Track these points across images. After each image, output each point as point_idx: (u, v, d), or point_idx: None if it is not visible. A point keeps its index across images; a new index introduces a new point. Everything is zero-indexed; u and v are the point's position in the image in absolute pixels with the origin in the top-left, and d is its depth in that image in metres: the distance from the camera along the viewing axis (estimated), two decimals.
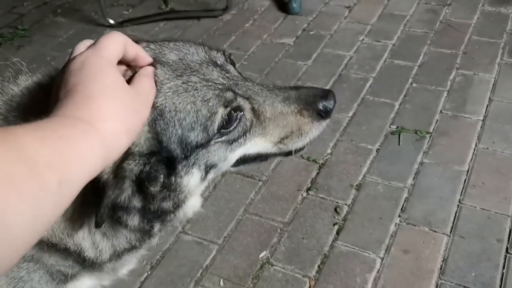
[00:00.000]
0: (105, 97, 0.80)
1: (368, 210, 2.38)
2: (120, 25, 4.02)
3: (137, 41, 1.15)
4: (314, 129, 1.15)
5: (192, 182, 1.07)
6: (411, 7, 3.97)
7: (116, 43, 0.91)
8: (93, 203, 0.93)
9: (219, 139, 1.05)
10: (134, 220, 1.05)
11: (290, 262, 2.16)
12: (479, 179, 2.48)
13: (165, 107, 0.98)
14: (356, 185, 2.52)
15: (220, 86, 1.04)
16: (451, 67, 3.28)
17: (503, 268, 2.07)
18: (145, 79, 0.95)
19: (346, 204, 2.42)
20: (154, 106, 0.97)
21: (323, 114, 1.15)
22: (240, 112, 1.08)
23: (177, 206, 1.08)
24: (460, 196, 2.40)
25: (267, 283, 2.09)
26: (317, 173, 2.60)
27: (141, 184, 0.97)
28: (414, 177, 2.53)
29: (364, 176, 2.57)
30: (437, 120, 2.87)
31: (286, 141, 1.14)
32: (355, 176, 2.56)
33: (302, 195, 2.49)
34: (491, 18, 3.76)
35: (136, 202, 0.99)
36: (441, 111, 2.94)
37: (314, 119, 1.14)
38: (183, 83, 1.01)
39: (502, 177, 2.47)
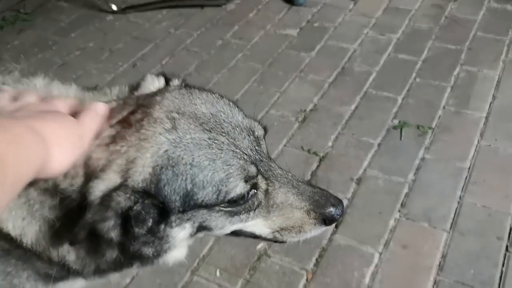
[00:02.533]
0: (55, 126, 0.87)
1: (367, 204, 2.34)
2: (122, 12, 3.96)
3: (168, 79, 1.14)
4: (314, 231, 1.13)
5: (181, 236, 1.03)
6: (416, 2, 3.90)
7: (67, 107, 0.99)
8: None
9: (224, 208, 1.02)
10: (111, 253, 1.01)
11: (288, 254, 2.12)
12: (480, 176, 2.44)
13: (182, 158, 0.93)
14: (356, 179, 2.47)
15: (246, 157, 1.00)
16: (455, 63, 3.23)
17: (503, 266, 2.04)
18: (90, 120, 0.96)
19: (345, 198, 2.38)
20: (168, 154, 0.93)
21: (327, 222, 1.12)
22: (255, 190, 1.05)
23: (158, 254, 1.03)
24: (461, 192, 2.36)
25: (264, 275, 2.06)
26: (318, 166, 2.56)
27: (126, 221, 0.92)
28: (415, 173, 2.49)
29: (364, 170, 2.52)
30: (439, 115, 2.83)
31: (283, 232, 1.13)
32: (356, 170, 2.52)
33: None
34: (497, 14, 3.70)
35: (115, 237, 0.93)
36: (444, 106, 2.89)
37: (318, 222, 1.11)
38: (209, 138, 0.97)
39: (504, 174, 2.43)
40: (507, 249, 2.10)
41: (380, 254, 2.12)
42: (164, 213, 0.96)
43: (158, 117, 0.97)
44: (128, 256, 1.01)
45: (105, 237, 0.91)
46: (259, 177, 1.04)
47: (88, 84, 3.13)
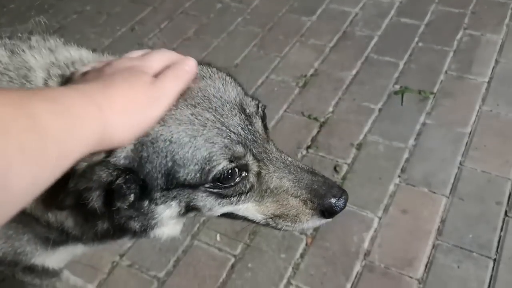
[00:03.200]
0: (122, 89, 0.80)
1: (367, 169, 2.31)
2: None
3: None
4: (311, 222, 1.04)
5: (167, 214, 0.98)
6: None
7: (161, 62, 0.89)
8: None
9: (211, 189, 0.95)
10: (101, 224, 0.99)
11: None
12: (481, 141, 2.39)
13: (160, 134, 0.87)
14: (357, 144, 2.43)
15: (233, 136, 0.92)
16: (458, 27, 3.12)
17: (501, 230, 2.02)
18: (169, 79, 0.87)
19: (346, 163, 2.34)
20: (147, 131, 0.87)
21: (327, 214, 1.02)
22: (245, 172, 0.96)
23: (145, 229, 1.00)
24: (461, 158, 2.33)
25: (264, 239, 2.04)
26: (318, 132, 2.51)
27: (109, 194, 0.89)
28: (415, 138, 2.44)
29: (365, 135, 2.48)
30: (441, 80, 2.76)
31: (277, 220, 1.03)
32: (356, 135, 2.48)
33: (301, 153, 2.41)
34: None
35: (99, 208, 0.90)
36: (446, 71, 2.81)
37: (315, 213, 1.02)
38: (192, 114, 0.90)
39: (505, 140, 2.39)
40: (506, 214, 2.08)
41: (380, 218, 2.10)
42: (147, 190, 0.92)
43: None
44: (117, 228, 0.99)
45: (90, 207, 0.89)
46: (250, 158, 0.95)
47: (85, 48, 3.05)
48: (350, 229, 2.06)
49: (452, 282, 1.87)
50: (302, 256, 1.99)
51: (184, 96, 0.91)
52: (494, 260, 1.92)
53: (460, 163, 2.30)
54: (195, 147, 0.89)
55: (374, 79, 2.79)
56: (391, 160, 2.34)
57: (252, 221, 1.06)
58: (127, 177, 0.88)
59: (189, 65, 0.91)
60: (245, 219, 1.06)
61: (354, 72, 2.85)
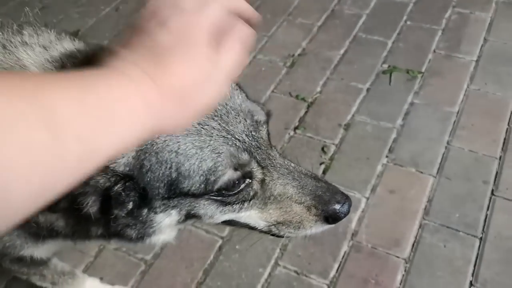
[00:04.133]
0: (182, 68, 0.62)
1: (355, 149, 2.27)
2: None
3: None
4: (314, 229, 1.02)
5: (166, 222, 0.94)
6: None
7: (221, 16, 0.69)
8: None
9: (214, 197, 0.91)
10: (95, 229, 0.95)
11: None
12: (469, 120, 2.35)
13: (167, 145, 0.83)
14: (345, 125, 2.38)
15: (238, 144, 0.89)
16: (447, 5, 3.05)
17: (487, 209, 2.00)
18: (229, 53, 0.68)
19: (333, 144, 2.30)
20: (152, 139, 0.82)
21: (330, 220, 1.00)
22: (249, 179, 0.93)
23: (141, 237, 0.95)
24: (449, 137, 2.29)
25: None
26: (306, 112, 2.45)
27: (106, 200, 0.84)
28: (403, 118, 2.39)
29: (353, 115, 2.42)
30: (429, 59, 2.70)
31: (280, 227, 1.00)
32: (344, 116, 2.42)
33: (289, 133, 2.35)
34: None
35: (94, 214, 0.84)
36: (434, 50, 2.75)
37: (319, 220, 1.00)
38: (199, 124, 0.85)
39: (493, 119, 2.35)
40: (492, 193, 2.05)
41: (367, 199, 2.07)
42: (146, 198, 0.87)
43: None
44: (111, 234, 0.95)
45: (85, 211, 0.84)
46: (254, 165, 0.93)
47: (69, 28, 2.93)
48: None
49: (438, 261, 1.85)
50: (289, 237, 1.95)
51: None
52: (480, 239, 1.91)
53: (448, 143, 2.27)
54: (201, 158, 0.85)
55: (362, 59, 2.72)
56: (379, 140, 2.30)
57: (254, 228, 1.03)
58: (126, 184, 0.83)
59: (247, 33, 0.72)
60: (246, 226, 1.03)
61: (342, 51, 2.78)
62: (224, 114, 0.89)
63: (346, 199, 1.01)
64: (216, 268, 1.87)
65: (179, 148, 0.84)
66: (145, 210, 0.90)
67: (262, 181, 0.96)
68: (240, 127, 0.90)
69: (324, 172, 2.17)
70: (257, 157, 0.93)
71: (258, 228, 1.02)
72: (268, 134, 1.01)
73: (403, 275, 1.82)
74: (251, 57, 2.76)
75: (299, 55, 2.77)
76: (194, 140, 0.85)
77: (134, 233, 0.93)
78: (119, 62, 0.60)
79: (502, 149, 2.22)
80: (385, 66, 2.67)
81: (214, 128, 0.87)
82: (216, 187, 0.88)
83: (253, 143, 0.92)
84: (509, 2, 3.03)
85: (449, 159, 2.19)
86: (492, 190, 2.06)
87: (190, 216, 0.94)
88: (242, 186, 0.92)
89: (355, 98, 2.50)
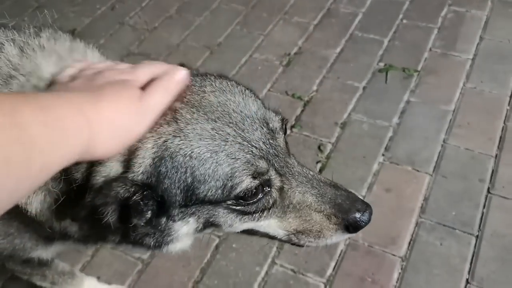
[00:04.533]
0: (112, 103, 0.77)
1: (352, 148, 2.26)
2: None
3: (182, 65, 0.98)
4: (335, 238, 0.99)
5: (184, 230, 0.93)
6: None
7: (149, 74, 0.86)
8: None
9: (233, 206, 0.90)
10: (112, 237, 0.94)
11: None
12: (465, 119, 2.35)
13: (180, 149, 0.82)
14: (341, 123, 2.37)
15: (255, 151, 0.87)
16: (443, 3, 3.04)
17: (484, 207, 1.99)
18: (157, 92, 0.82)
19: (330, 142, 2.28)
20: (166, 145, 0.82)
21: (351, 229, 0.98)
22: (268, 187, 0.92)
23: (159, 245, 0.94)
24: (445, 135, 2.28)
25: None
26: (302, 111, 2.44)
27: (125, 210, 0.84)
28: (399, 116, 2.39)
29: (349, 114, 2.41)
30: (425, 58, 2.69)
31: (300, 236, 0.98)
32: (340, 114, 2.41)
33: None
34: None
35: (113, 223, 0.85)
36: (430, 49, 2.74)
37: (339, 228, 0.97)
38: (213, 129, 0.84)
39: (489, 117, 2.34)
40: (488, 191, 2.05)
41: (364, 197, 2.06)
42: (164, 206, 0.87)
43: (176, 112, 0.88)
44: (129, 243, 0.95)
45: (105, 221, 0.84)
46: (273, 173, 0.91)
47: (65, 28, 2.91)
48: None
49: (435, 259, 1.84)
50: None
51: (204, 110, 0.86)
52: (477, 236, 1.90)
53: (444, 141, 2.26)
54: (216, 162, 0.84)
55: (359, 57, 2.71)
56: (375, 139, 2.29)
57: (274, 238, 1.01)
58: (144, 193, 0.83)
59: (178, 75, 0.86)
60: (266, 235, 1.01)
61: (338, 50, 2.77)
62: (240, 121, 0.88)
63: (366, 207, 0.98)
64: (213, 267, 1.85)
65: (192, 152, 0.83)
66: (164, 219, 0.89)
67: (281, 189, 0.94)
68: (256, 135, 0.89)
69: (320, 170, 2.16)
70: (275, 164, 0.91)
71: (278, 237, 1.00)
72: (286, 142, 1.00)
73: (400, 273, 1.81)
74: (247, 56, 2.75)
75: (295, 53, 2.76)
76: (208, 144, 0.84)
77: (152, 242, 0.93)
78: (69, 98, 0.75)
79: (498, 147, 2.22)
80: (381, 64, 2.66)
81: (229, 134, 0.85)
82: (233, 193, 0.86)
83: (271, 151, 0.90)
84: (505, 1, 3.02)
85: (445, 157, 2.19)
86: (488, 188, 2.05)
87: (209, 224, 0.93)
88: (261, 195, 0.91)
89: (351, 97, 2.49)
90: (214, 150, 0.84)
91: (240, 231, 1.00)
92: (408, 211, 2.00)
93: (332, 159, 2.21)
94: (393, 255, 1.86)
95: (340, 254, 1.88)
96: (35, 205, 0.91)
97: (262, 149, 0.88)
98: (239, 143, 0.86)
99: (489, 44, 2.73)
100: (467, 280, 1.78)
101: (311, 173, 0.98)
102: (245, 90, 0.96)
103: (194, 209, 0.89)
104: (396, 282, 1.79)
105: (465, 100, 2.44)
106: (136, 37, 2.93)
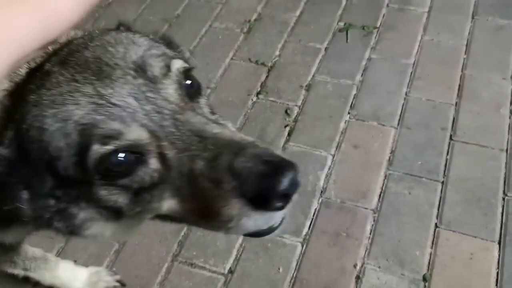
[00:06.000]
0: None
1: (318, 109, 2.24)
2: None
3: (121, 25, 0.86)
4: (249, 220, 0.69)
5: (83, 215, 0.77)
6: None
7: None
8: None
9: (107, 184, 0.72)
10: (20, 224, 0.82)
11: None
12: (424, 71, 2.36)
13: (34, 121, 0.69)
14: (306, 86, 2.34)
15: (115, 110, 0.68)
16: None
17: (447, 154, 2.03)
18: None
19: (296, 105, 2.26)
20: (28, 117, 0.70)
21: (261, 203, 0.67)
22: (141, 155, 0.71)
23: (71, 230, 0.80)
24: (407, 88, 2.29)
25: None
26: (266, 77, 2.40)
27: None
28: (362, 74, 2.38)
29: (313, 76, 2.39)
30: (383, 14, 2.66)
31: (206, 218, 0.73)
32: (304, 77, 2.38)
33: (252, 99, 2.30)
34: None
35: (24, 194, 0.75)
36: (387, 5, 2.72)
37: (245, 205, 0.67)
38: (69, 92, 0.69)
39: (447, 67, 2.36)
40: (451, 138, 2.08)
41: (333, 156, 2.06)
42: (43, 186, 0.74)
43: (40, 71, 0.74)
44: (43, 227, 0.83)
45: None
46: (143, 136, 0.70)
47: None
48: (305, 169, 2.01)
49: (404, 208, 1.88)
50: None
51: (72, 69, 0.71)
52: (442, 183, 1.94)
53: (406, 94, 2.27)
54: (66, 133, 0.68)
55: (318, 18, 2.66)
56: (340, 98, 2.28)
57: (186, 222, 0.84)
58: (13, 168, 0.72)
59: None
60: (176, 220, 0.80)
61: (298, 13, 2.71)
62: (106, 76, 0.71)
63: (285, 167, 0.67)
64: (190, 239, 1.83)
65: (43, 124, 0.69)
66: (52, 200, 0.76)
67: (163, 157, 0.71)
68: (124, 91, 0.70)
69: (289, 134, 2.15)
70: (151, 125, 0.70)
71: (188, 222, 0.81)
72: (191, 95, 0.78)
73: (372, 225, 1.84)
74: (207, 25, 2.66)
75: (255, 20, 2.69)
76: (59, 112, 0.68)
77: (61, 226, 0.80)
78: None
79: (458, 95, 2.24)
80: (341, 24, 2.63)
81: (85, 95, 0.69)
82: (91, 167, 0.69)
83: (147, 107, 0.70)
84: None
85: (408, 109, 2.20)
86: (451, 136, 2.09)
87: (106, 208, 0.76)
88: (132, 165, 0.71)
89: (314, 59, 2.46)
90: (64, 118, 0.68)
91: (157, 218, 0.81)
92: (377, 165, 2.01)
93: (299, 122, 2.20)
94: (365, 208, 1.89)
95: (314, 213, 1.89)
96: None
97: (128, 107, 0.69)
98: (95, 103, 0.68)
99: None
100: (435, 224, 1.82)
101: (215, 130, 0.71)
102: (138, 39, 0.79)
103: (75, 192, 0.75)
104: (370, 233, 1.82)
105: (424, 52, 2.44)
106: (91, 15, 2.78)
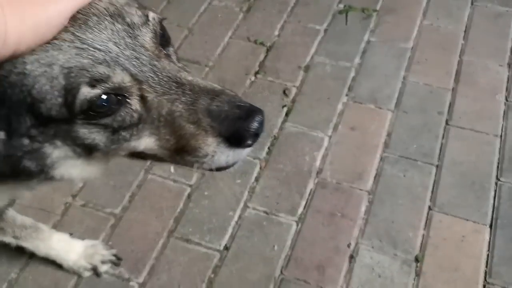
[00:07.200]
0: None
1: (316, 90, 2.21)
2: None
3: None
4: (221, 155, 0.81)
5: (57, 154, 0.81)
6: None
7: None
8: None
9: (88, 121, 0.77)
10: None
11: None
12: (423, 55, 2.33)
13: (16, 67, 0.71)
14: (304, 67, 2.31)
15: (98, 55, 0.73)
16: None
17: (442, 138, 2.02)
18: None
19: (294, 86, 2.23)
20: (9, 63, 0.70)
21: (233, 140, 0.79)
22: (124, 97, 0.76)
23: (42, 170, 0.83)
24: (405, 72, 2.27)
25: None
26: (265, 56, 2.36)
27: None
28: (361, 56, 2.34)
29: (312, 57, 2.35)
30: None
31: (184, 155, 0.82)
32: (303, 58, 2.35)
33: (250, 79, 2.26)
34: None
35: None
36: None
37: (220, 141, 0.79)
38: (53, 39, 0.71)
39: (445, 52, 2.34)
40: (446, 123, 2.07)
41: (330, 137, 2.04)
42: (17, 125, 0.77)
43: None
44: (15, 169, 0.83)
45: None
46: (126, 79, 0.75)
47: None
48: (302, 150, 2.00)
49: (399, 190, 1.87)
50: (257, 179, 1.92)
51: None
52: (437, 166, 1.93)
53: (404, 78, 2.25)
54: (51, 77, 0.71)
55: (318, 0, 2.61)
56: (338, 80, 2.25)
57: (162, 159, 0.88)
58: None
59: None
60: (154, 158, 0.88)
61: None
62: (87, 23, 0.74)
63: (251, 112, 0.79)
64: (186, 215, 1.82)
65: (25, 69, 0.71)
66: (26, 140, 0.78)
67: (143, 99, 0.78)
68: (104, 35, 0.74)
69: (287, 114, 2.12)
70: (132, 69, 0.75)
71: (165, 158, 0.86)
72: (165, 44, 0.84)
73: (367, 206, 1.84)
74: (206, 3, 2.60)
75: None
76: (41, 57, 0.71)
77: (32, 165, 0.82)
78: None
79: (455, 80, 2.23)
80: (341, 6, 2.58)
81: (65, 40, 0.72)
82: (76, 108, 0.73)
83: (126, 53, 0.75)
84: None
85: (405, 93, 2.18)
86: (446, 120, 2.08)
87: (82, 146, 0.81)
88: (115, 106, 0.76)
89: (313, 40, 2.42)
90: (47, 63, 0.72)
91: (129, 155, 0.87)
92: (373, 147, 2.00)
93: (297, 102, 2.17)
94: (360, 189, 1.88)
95: (309, 193, 1.88)
96: None
97: (109, 51, 0.74)
98: (77, 47, 0.72)
99: None
100: (429, 207, 1.83)
101: (189, 78, 0.80)
102: None
103: (53, 130, 0.78)
104: (364, 214, 1.82)
105: (423, 37, 2.41)
106: None
